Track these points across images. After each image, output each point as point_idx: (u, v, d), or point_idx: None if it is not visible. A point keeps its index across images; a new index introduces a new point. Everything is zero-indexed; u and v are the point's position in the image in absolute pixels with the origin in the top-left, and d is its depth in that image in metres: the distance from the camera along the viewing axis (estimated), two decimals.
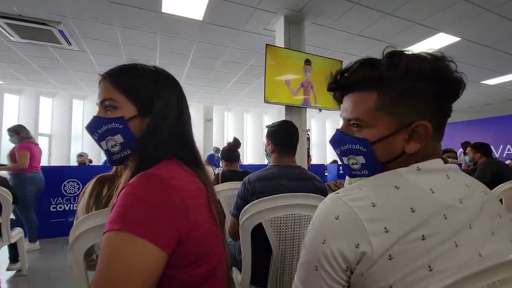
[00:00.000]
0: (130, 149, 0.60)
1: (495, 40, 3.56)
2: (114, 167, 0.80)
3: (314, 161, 8.06)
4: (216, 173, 2.27)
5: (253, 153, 8.59)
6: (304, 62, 3.01)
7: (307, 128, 3.31)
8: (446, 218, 0.42)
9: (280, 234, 1.13)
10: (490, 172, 2.67)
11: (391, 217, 0.42)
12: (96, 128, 0.60)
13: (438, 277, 0.39)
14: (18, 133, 2.91)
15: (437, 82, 0.47)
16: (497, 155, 6.68)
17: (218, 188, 1.75)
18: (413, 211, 0.42)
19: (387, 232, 0.41)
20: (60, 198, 3.51)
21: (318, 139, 9.35)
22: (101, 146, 0.62)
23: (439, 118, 0.49)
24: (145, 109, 0.60)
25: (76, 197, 3.56)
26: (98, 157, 6.31)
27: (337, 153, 0.57)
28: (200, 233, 0.53)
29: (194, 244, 0.52)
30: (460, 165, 4.36)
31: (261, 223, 1.10)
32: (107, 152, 0.61)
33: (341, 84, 0.54)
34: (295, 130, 1.39)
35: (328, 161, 8.31)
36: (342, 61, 3.31)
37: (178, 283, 0.52)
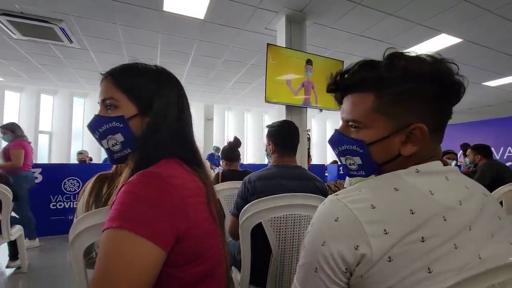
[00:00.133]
0: (130, 148, 0.61)
1: (497, 41, 3.55)
2: (114, 166, 0.80)
3: (315, 161, 8.06)
4: (216, 172, 2.27)
5: (254, 152, 8.59)
6: (306, 62, 3.01)
7: (307, 128, 3.31)
8: (445, 220, 0.42)
9: (279, 234, 1.13)
10: (490, 174, 2.67)
11: (391, 219, 0.42)
12: (97, 126, 0.60)
13: (438, 279, 0.39)
14: (14, 131, 2.89)
15: (436, 84, 0.47)
16: (497, 157, 6.67)
17: (218, 187, 1.75)
18: (412, 213, 0.42)
19: (386, 234, 0.41)
20: (60, 196, 3.51)
21: (319, 139, 9.35)
22: (102, 145, 0.62)
23: (438, 121, 0.49)
24: (146, 108, 0.60)
25: (76, 195, 3.56)
26: (98, 155, 6.33)
27: (335, 153, 0.58)
28: (199, 232, 0.53)
29: (193, 242, 0.52)
30: (459, 166, 4.35)
31: (260, 222, 1.10)
32: (108, 150, 0.62)
33: (341, 85, 0.55)
34: (296, 130, 1.39)
35: (328, 161, 8.31)
36: (343, 61, 3.30)
37: (176, 281, 0.52)
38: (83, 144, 6.69)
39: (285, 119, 1.52)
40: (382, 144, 0.49)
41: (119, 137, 0.60)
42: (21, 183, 2.81)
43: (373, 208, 0.43)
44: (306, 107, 3.10)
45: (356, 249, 0.41)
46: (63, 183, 3.53)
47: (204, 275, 0.55)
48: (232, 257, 1.38)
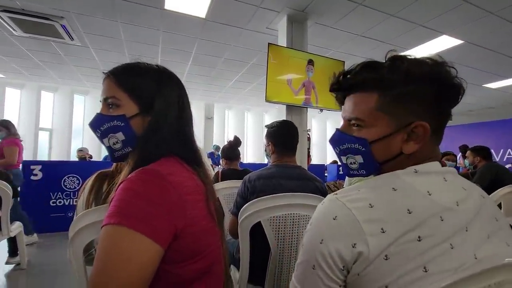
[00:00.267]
0: (131, 146, 0.61)
1: (498, 43, 3.55)
2: (115, 164, 0.80)
3: (314, 161, 8.06)
4: (216, 171, 2.28)
5: (253, 152, 8.60)
6: (307, 62, 3.01)
7: (307, 128, 3.31)
8: (442, 220, 0.43)
9: (278, 233, 1.13)
10: (489, 175, 2.67)
11: (388, 218, 0.43)
12: (99, 125, 0.61)
13: (434, 278, 0.39)
14: (9, 128, 2.88)
15: (436, 86, 0.48)
16: (497, 159, 6.67)
17: (218, 186, 1.75)
18: (409, 213, 0.43)
19: (383, 232, 0.42)
20: (60, 193, 3.51)
21: (319, 139, 9.36)
22: (103, 143, 0.63)
23: (438, 122, 0.50)
24: (147, 107, 0.61)
25: (76, 192, 3.56)
26: (98, 152, 6.33)
27: (336, 152, 0.58)
28: (196, 229, 0.54)
29: (190, 239, 0.52)
30: (458, 168, 4.35)
31: (260, 221, 1.11)
32: (109, 149, 0.63)
33: (343, 85, 0.55)
34: (295, 130, 1.39)
35: (328, 161, 8.31)
36: (344, 61, 3.31)
37: (174, 278, 0.52)
38: (83, 142, 6.70)
39: (284, 119, 1.51)
40: (384, 142, 0.50)
41: (120, 135, 0.60)
42: (13, 180, 2.80)
43: (371, 207, 0.44)
44: (307, 107, 3.10)
45: (353, 247, 0.42)
46: (63, 180, 3.53)
47: (202, 272, 0.56)
48: (231, 256, 1.39)
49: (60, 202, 3.51)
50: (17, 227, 2.28)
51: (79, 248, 0.67)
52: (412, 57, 0.50)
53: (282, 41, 3.07)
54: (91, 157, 5.37)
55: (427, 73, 0.48)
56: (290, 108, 3.04)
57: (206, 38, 3.69)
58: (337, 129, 0.56)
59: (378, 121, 0.50)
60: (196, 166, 0.64)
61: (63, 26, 3.28)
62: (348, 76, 0.54)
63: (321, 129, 9.50)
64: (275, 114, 8.53)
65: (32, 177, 3.37)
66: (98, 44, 3.92)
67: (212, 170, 3.85)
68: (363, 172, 0.54)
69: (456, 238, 0.42)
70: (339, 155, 0.57)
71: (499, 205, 1.75)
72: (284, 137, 1.35)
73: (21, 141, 3.01)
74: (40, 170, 3.43)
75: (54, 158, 6.44)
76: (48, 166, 3.52)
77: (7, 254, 2.38)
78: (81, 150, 5.03)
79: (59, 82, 6.15)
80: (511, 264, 0.40)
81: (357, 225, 0.43)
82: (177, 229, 0.50)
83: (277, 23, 3.18)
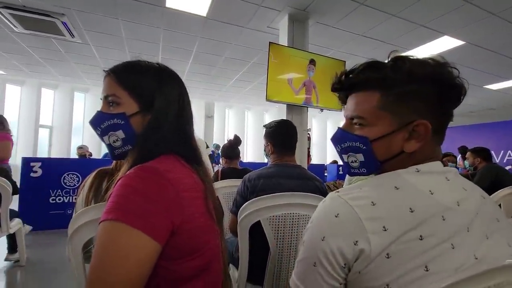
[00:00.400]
0: (131, 144, 0.62)
1: (500, 44, 3.55)
2: (114, 161, 0.80)
3: (314, 161, 8.06)
4: (216, 170, 2.28)
5: (254, 151, 8.60)
6: (309, 62, 3.00)
7: (308, 128, 3.31)
8: (444, 220, 0.43)
9: (278, 233, 1.13)
10: (490, 177, 2.67)
11: (390, 216, 0.43)
12: (99, 123, 0.61)
13: (434, 277, 0.39)
14: (3, 123, 2.85)
15: (438, 86, 0.48)
16: (497, 160, 6.67)
17: (217, 185, 1.75)
18: (412, 211, 0.43)
19: (385, 231, 0.42)
20: (59, 191, 3.51)
21: (319, 139, 9.36)
22: (103, 141, 0.63)
23: (440, 122, 0.50)
24: (147, 106, 0.61)
25: (76, 190, 3.56)
26: (98, 150, 6.33)
27: (337, 151, 0.58)
28: (193, 226, 0.54)
29: (187, 236, 0.52)
30: (457, 169, 4.35)
31: (259, 221, 1.10)
32: (109, 146, 0.63)
33: (345, 85, 0.56)
34: (294, 130, 1.38)
35: (328, 161, 8.31)
36: (345, 61, 3.30)
37: (171, 275, 0.52)
38: (83, 139, 6.70)
39: (282, 118, 1.50)
40: (385, 141, 0.50)
41: (120, 133, 0.61)
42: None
43: (374, 205, 0.44)
44: (307, 107, 3.10)
45: (355, 244, 0.42)
46: (62, 177, 3.53)
47: (199, 270, 0.56)
48: (230, 255, 1.39)
49: (59, 200, 3.51)
50: (16, 224, 2.28)
51: (78, 246, 0.67)
52: (415, 57, 0.51)
53: (283, 40, 3.06)
54: (91, 154, 5.37)
55: (429, 73, 0.48)
56: (290, 107, 3.04)
57: (207, 36, 3.69)
58: (339, 128, 0.57)
59: (380, 120, 0.50)
60: (196, 164, 0.64)
61: (64, 23, 3.28)
62: (351, 75, 0.54)
63: (322, 129, 9.50)
64: (276, 113, 8.53)
65: (32, 174, 3.37)
66: (99, 41, 3.92)
67: (212, 169, 3.85)
68: (364, 170, 0.54)
69: (456, 238, 0.42)
70: (340, 153, 0.58)
71: (499, 206, 1.75)
72: (283, 136, 1.35)
73: (12, 135, 2.99)
74: (40, 167, 3.43)
75: (54, 155, 6.44)
76: (48, 163, 3.51)
77: (6, 251, 2.39)
78: (81, 148, 5.04)
79: (59, 79, 6.14)
80: (511, 266, 0.40)
81: (359, 223, 0.43)
82: (174, 225, 0.50)
83: (278, 22, 3.17)
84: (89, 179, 0.79)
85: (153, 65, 0.65)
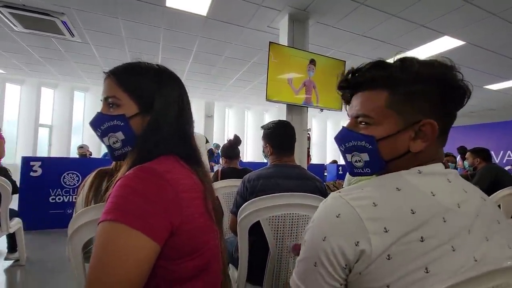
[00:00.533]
0: (131, 145, 0.62)
1: (500, 44, 3.54)
2: (114, 162, 0.80)
3: (314, 160, 8.06)
4: (215, 170, 2.27)
5: (253, 150, 8.60)
6: (309, 62, 3.00)
7: (308, 128, 3.31)
8: (445, 221, 0.43)
9: (277, 233, 1.13)
10: (489, 177, 2.67)
11: (392, 217, 0.43)
12: (99, 124, 0.62)
13: (434, 279, 0.39)
14: None
15: (443, 87, 0.49)
16: (497, 161, 6.67)
17: (217, 185, 1.75)
18: (413, 213, 0.43)
19: (386, 232, 0.42)
20: (59, 190, 3.51)
21: (319, 138, 9.36)
22: (103, 142, 0.64)
23: (444, 123, 0.50)
24: (147, 107, 0.62)
25: (75, 189, 3.56)
26: (97, 149, 6.33)
27: (341, 150, 0.58)
28: (192, 227, 0.54)
29: (186, 236, 0.53)
30: (456, 169, 4.35)
31: (259, 221, 1.10)
32: (109, 147, 0.63)
33: (352, 83, 0.55)
34: (292, 130, 1.38)
35: (328, 161, 8.31)
36: (345, 61, 3.30)
37: (171, 275, 0.52)
38: (83, 138, 6.70)
39: (280, 119, 1.50)
40: (391, 140, 0.50)
41: (120, 135, 0.61)
42: None
43: (375, 206, 0.44)
44: (307, 107, 3.10)
45: (356, 245, 0.42)
46: (62, 177, 3.53)
47: (199, 270, 0.56)
48: (229, 255, 1.39)
49: (59, 199, 3.51)
50: (16, 223, 2.28)
51: (78, 246, 0.67)
52: (421, 58, 0.51)
53: (283, 40, 3.06)
54: (91, 154, 5.37)
55: (436, 74, 0.48)
56: (290, 107, 3.04)
57: (207, 36, 3.68)
58: (343, 127, 0.56)
59: (387, 119, 0.50)
60: (195, 165, 0.64)
61: (64, 22, 3.27)
62: (357, 74, 0.54)
63: (321, 129, 9.50)
64: (276, 113, 8.53)
65: (32, 174, 3.37)
66: (99, 40, 3.91)
67: (208, 165, 3.82)
68: (367, 170, 0.54)
69: (457, 240, 0.42)
70: (343, 153, 0.57)
71: (498, 207, 1.75)
72: (281, 137, 1.35)
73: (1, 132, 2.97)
74: (39, 167, 3.42)
75: (54, 154, 6.44)
76: (48, 163, 3.51)
77: (6, 250, 2.39)
78: (82, 147, 5.03)
79: (59, 79, 6.14)
80: (511, 268, 0.40)
81: (360, 223, 0.43)
82: (173, 226, 0.50)
83: (278, 22, 3.17)
84: (89, 179, 0.79)
85: (153, 67, 0.65)
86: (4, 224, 2.08)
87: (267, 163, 1.41)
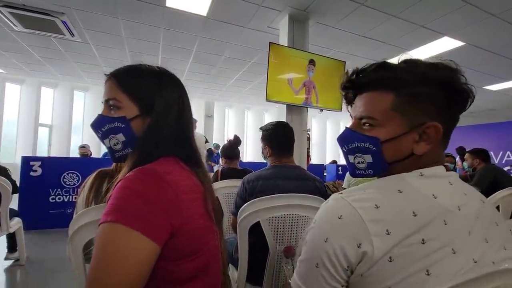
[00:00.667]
0: (131, 147, 0.62)
1: (500, 45, 3.55)
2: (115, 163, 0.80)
3: (314, 161, 8.06)
4: (215, 170, 2.27)
5: (253, 150, 8.60)
6: (309, 62, 3.00)
7: (307, 128, 3.31)
8: (446, 224, 0.43)
9: (277, 234, 1.13)
10: (488, 178, 2.68)
11: (393, 219, 0.43)
12: (100, 126, 0.62)
13: (435, 281, 0.39)
14: None
15: (448, 90, 0.49)
16: (496, 161, 6.68)
17: (217, 185, 1.75)
18: (415, 215, 0.43)
19: (388, 234, 0.42)
20: (59, 190, 3.51)
21: (319, 139, 9.36)
22: (104, 144, 0.64)
23: (447, 126, 0.50)
24: (147, 109, 0.62)
25: (76, 189, 3.56)
26: (97, 149, 6.33)
27: (343, 151, 0.57)
28: (192, 228, 0.54)
29: (186, 238, 0.53)
30: (455, 170, 4.36)
31: (259, 221, 1.11)
32: (110, 149, 0.64)
33: (356, 83, 0.55)
34: (291, 131, 1.38)
35: (327, 161, 8.32)
36: (345, 62, 3.30)
37: (171, 276, 0.53)
38: (83, 138, 6.70)
39: (278, 120, 1.49)
40: (395, 142, 0.50)
41: (120, 137, 0.62)
42: None
43: (377, 208, 0.44)
44: (307, 107, 3.10)
45: (358, 246, 0.42)
46: (62, 176, 3.53)
47: (199, 270, 0.56)
48: (229, 255, 1.39)
49: (59, 199, 3.51)
50: (16, 223, 2.29)
51: (79, 246, 0.67)
52: (427, 61, 0.51)
53: (283, 40, 3.06)
54: (91, 153, 5.37)
55: (441, 77, 0.48)
56: (290, 107, 3.04)
57: (207, 36, 3.68)
58: (347, 128, 0.56)
59: (391, 121, 0.50)
60: (195, 166, 0.64)
61: (64, 22, 3.27)
62: (361, 75, 0.54)
63: (321, 129, 9.50)
64: (276, 113, 8.53)
65: (32, 173, 3.37)
66: (99, 40, 3.91)
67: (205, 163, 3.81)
68: (370, 172, 0.54)
69: (457, 242, 0.42)
70: (346, 154, 0.57)
71: (497, 208, 1.75)
72: (280, 138, 1.35)
73: None
74: (39, 166, 3.43)
75: (54, 154, 6.43)
76: (48, 162, 3.51)
77: (6, 250, 2.39)
78: (84, 147, 5.02)
79: (59, 78, 6.13)
80: (510, 269, 0.40)
81: (362, 225, 0.43)
82: (174, 227, 0.50)
83: (278, 22, 3.17)
84: (90, 180, 0.79)
85: (153, 69, 0.66)
86: (4, 223, 2.09)
87: (267, 163, 1.41)
